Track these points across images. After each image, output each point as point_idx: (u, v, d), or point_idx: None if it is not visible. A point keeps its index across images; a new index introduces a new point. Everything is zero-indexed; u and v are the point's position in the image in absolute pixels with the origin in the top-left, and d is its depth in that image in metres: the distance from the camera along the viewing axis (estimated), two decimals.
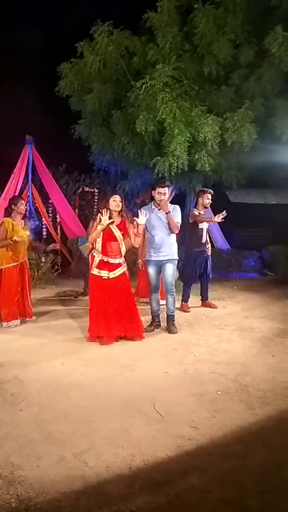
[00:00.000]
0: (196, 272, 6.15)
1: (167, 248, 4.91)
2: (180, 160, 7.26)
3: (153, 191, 4.91)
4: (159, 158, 7.44)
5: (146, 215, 4.58)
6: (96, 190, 10.23)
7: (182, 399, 3.19)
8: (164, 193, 4.84)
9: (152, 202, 4.99)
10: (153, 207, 4.94)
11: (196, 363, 3.94)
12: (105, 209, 4.41)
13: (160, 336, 4.82)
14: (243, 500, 2.10)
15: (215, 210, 6.32)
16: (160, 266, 4.98)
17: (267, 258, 9.56)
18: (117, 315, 4.54)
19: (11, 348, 4.35)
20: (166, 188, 4.90)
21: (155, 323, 5.08)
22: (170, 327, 4.99)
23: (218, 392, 3.30)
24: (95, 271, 4.52)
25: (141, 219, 4.48)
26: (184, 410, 3.01)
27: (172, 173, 7.36)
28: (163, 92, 7.06)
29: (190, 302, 6.17)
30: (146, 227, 4.96)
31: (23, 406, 3.04)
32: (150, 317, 5.15)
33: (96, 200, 10.09)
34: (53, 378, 3.55)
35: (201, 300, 6.37)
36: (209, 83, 7.87)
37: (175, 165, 7.26)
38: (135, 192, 9.56)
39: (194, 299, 6.29)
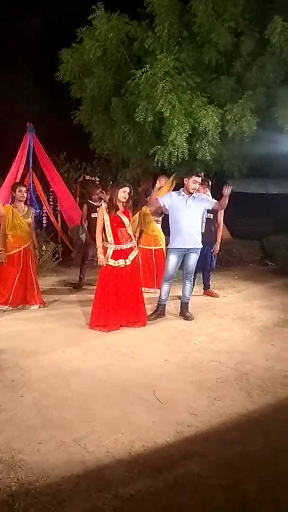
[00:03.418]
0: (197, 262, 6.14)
1: (194, 236, 4.94)
2: (180, 150, 7.21)
3: (186, 179, 4.90)
4: (159, 146, 7.39)
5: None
6: (97, 179, 10.18)
7: (182, 386, 3.21)
8: (198, 182, 4.91)
9: (181, 189, 5.00)
10: (183, 193, 4.94)
11: (196, 352, 3.96)
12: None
13: (160, 325, 4.83)
14: (241, 486, 2.12)
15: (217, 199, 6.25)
16: (183, 255, 5.00)
17: (268, 248, 9.53)
18: (122, 304, 4.61)
19: (12, 335, 4.37)
20: (200, 178, 4.95)
21: (158, 311, 5.07)
22: (186, 314, 5.07)
23: (218, 380, 3.31)
24: (111, 262, 4.56)
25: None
26: (183, 397, 3.02)
27: (172, 162, 7.31)
28: (163, 81, 6.98)
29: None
30: (169, 211, 4.98)
31: (24, 392, 3.06)
32: (152, 305, 5.15)
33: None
34: (53, 365, 3.56)
35: (203, 288, 6.39)
36: (210, 71, 7.78)
37: (175, 154, 7.21)
38: (136, 180, 9.51)
39: (196, 288, 6.29)
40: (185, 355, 3.87)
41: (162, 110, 6.89)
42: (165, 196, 5.12)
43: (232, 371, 3.50)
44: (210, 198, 5.17)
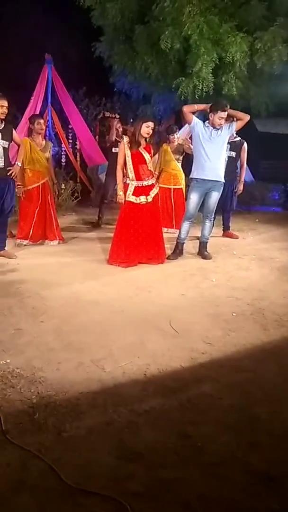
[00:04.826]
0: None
1: (217, 170, 4.77)
2: (206, 82, 6.84)
3: (212, 114, 4.63)
4: (183, 79, 7.01)
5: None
6: (118, 116, 9.82)
7: (198, 318, 3.26)
8: (224, 118, 4.62)
9: (206, 121, 4.75)
10: (208, 125, 4.70)
11: (212, 288, 3.98)
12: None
13: (178, 263, 4.84)
14: (252, 408, 2.18)
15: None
16: (204, 192, 4.86)
17: None
18: (142, 241, 4.62)
19: (33, 267, 4.45)
20: (226, 113, 4.62)
21: (177, 251, 5.04)
22: (204, 253, 5.04)
23: (233, 314, 3.35)
24: (132, 198, 4.54)
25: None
26: (199, 328, 3.08)
27: (196, 96, 6.96)
28: (190, 5, 6.49)
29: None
30: (193, 139, 4.82)
31: (44, 319, 3.16)
32: (171, 244, 5.13)
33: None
34: (73, 295, 3.65)
35: (223, 230, 6.31)
36: None
37: (200, 88, 6.85)
38: (157, 118, 9.16)
39: (215, 230, 6.20)
40: (201, 290, 3.90)
41: (189, 33, 6.45)
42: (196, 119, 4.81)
43: (248, 306, 3.52)
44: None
